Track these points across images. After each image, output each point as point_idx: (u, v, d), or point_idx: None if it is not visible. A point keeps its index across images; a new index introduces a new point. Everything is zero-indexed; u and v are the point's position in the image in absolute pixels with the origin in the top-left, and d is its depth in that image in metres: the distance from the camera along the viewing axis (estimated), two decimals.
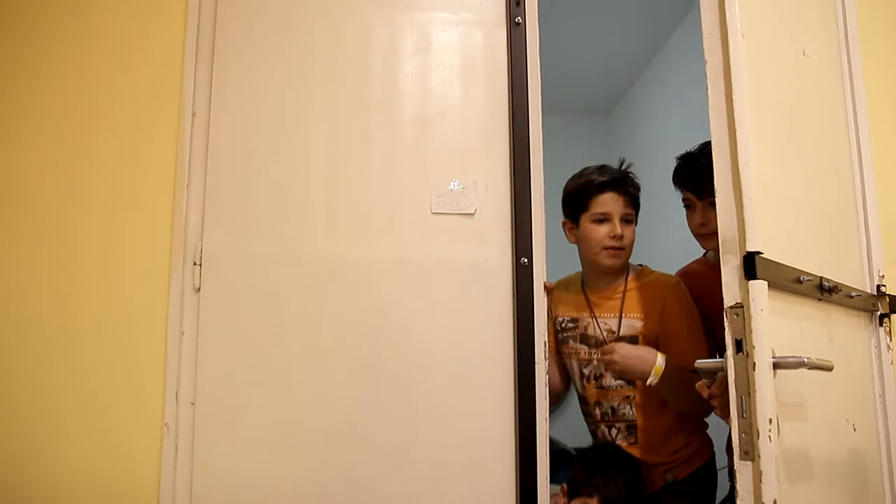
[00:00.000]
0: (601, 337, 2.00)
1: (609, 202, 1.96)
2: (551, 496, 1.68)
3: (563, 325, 2.09)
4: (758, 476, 1.16)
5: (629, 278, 2.03)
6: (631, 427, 1.98)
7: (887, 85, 1.97)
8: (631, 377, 1.90)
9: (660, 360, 1.82)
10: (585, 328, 2.04)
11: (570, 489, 1.88)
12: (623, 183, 1.99)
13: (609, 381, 1.99)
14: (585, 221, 1.99)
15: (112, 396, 1.66)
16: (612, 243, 1.95)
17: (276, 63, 1.79)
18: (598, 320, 2.01)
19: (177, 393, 1.66)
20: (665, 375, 1.80)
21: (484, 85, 1.81)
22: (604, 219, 1.96)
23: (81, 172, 1.73)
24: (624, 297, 2.00)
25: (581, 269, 2.13)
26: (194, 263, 1.70)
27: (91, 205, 1.72)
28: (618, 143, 4.70)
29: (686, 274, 2.11)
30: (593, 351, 2.01)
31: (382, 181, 1.75)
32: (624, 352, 1.86)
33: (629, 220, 1.99)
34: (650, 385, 1.81)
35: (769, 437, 1.15)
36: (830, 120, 1.79)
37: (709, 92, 1.29)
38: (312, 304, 1.70)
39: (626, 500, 1.82)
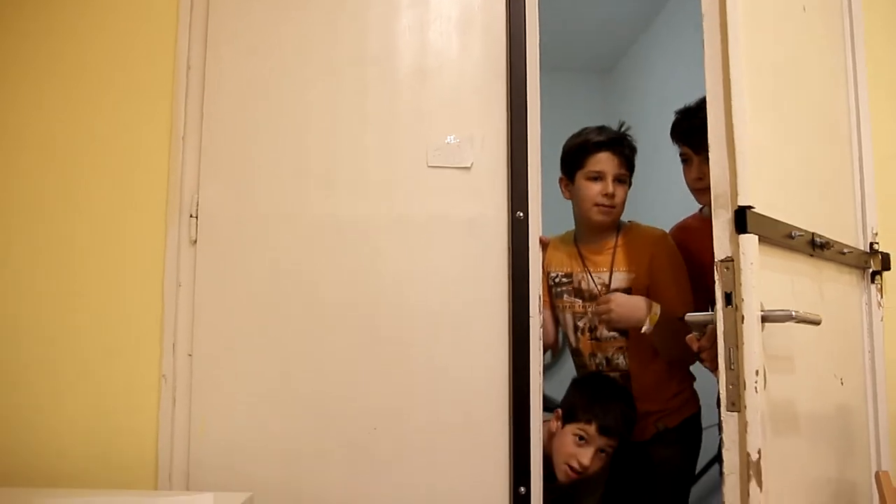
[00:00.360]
0: (595, 290, 2.04)
1: (604, 161, 2.00)
2: (543, 422, 1.72)
3: (557, 279, 2.12)
4: (743, 427, 1.18)
5: (620, 234, 2.08)
6: (625, 376, 2.04)
7: (888, 42, 1.95)
8: (626, 325, 1.96)
9: (655, 308, 1.88)
10: (579, 282, 2.08)
11: (566, 414, 1.93)
12: (619, 144, 2.04)
13: (603, 332, 2.04)
14: (580, 178, 2.03)
15: (110, 347, 1.67)
16: (604, 201, 2.00)
17: (272, 17, 1.77)
18: (592, 275, 2.05)
19: (174, 344, 1.67)
20: (658, 323, 1.85)
21: (482, 38, 1.79)
22: (597, 177, 2.01)
23: (77, 127, 1.72)
24: (615, 252, 2.04)
25: (574, 226, 2.16)
26: (191, 216, 1.70)
27: (87, 157, 1.71)
28: (619, 100, 4.67)
29: (682, 229, 2.13)
30: (587, 304, 2.05)
31: (379, 134, 1.74)
32: (619, 301, 1.93)
33: (622, 180, 2.03)
34: (645, 332, 1.85)
35: (755, 388, 1.17)
36: (829, 76, 1.78)
37: (705, 46, 1.29)
38: (309, 258, 1.71)
39: (622, 430, 1.89)
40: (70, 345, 1.67)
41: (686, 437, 2.05)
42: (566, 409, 1.95)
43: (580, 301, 2.07)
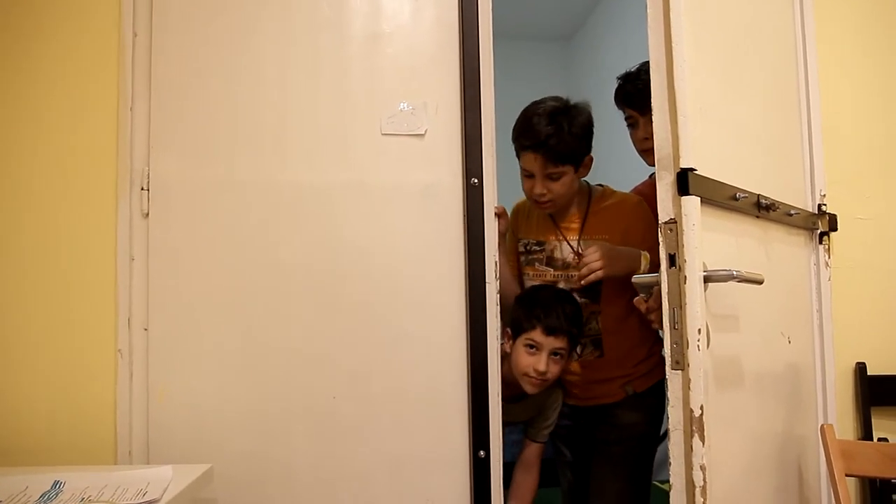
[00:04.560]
0: (568, 259, 2.04)
1: (531, 161, 1.97)
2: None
3: (529, 247, 2.12)
4: (686, 384, 1.21)
5: (591, 201, 2.07)
6: (596, 340, 2.03)
7: (837, 4, 1.97)
8: (619, 271, 1.88)
9: (642, 252, 1.87)
10: (552, 251, 2.08)
11: (513, 330, 1.94)
12: (542, 146, 1.93)
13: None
14: (520, 169, 2.04)
15: (64, 324, 1.65)
16: (536, 198, 1.99)
17: None
18: (565, 243, 2.05)
19: (129, 319, 1.65)
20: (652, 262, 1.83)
21: (434, 3, 1.78)
22: (529, 174, 1.99)
23: (19, 100, 1.68)
24: (585, 220, 2.04)
25: None
26: (142, 188, 1.67)
27: (31, 130, 1.67)
28: (579, 69, 4.66)
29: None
30: (559, 273, 2.05)
31: (333, 100, 1.73)
32: (605, 249, 1.89)
33: (554, 177, 1.96)
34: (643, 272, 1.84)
35: (698, 346, 1.19)
36: (778, 39, 1.80)
37: (648, 9, 1.29)
38: (265, 227, 1.70)
39: (567, 329, 1.88)
40: (23, 322, 1.64)
41: (654, 401, 2.03)
42: (513, 326, 1.94)
43: (552, 270, 2.07)
